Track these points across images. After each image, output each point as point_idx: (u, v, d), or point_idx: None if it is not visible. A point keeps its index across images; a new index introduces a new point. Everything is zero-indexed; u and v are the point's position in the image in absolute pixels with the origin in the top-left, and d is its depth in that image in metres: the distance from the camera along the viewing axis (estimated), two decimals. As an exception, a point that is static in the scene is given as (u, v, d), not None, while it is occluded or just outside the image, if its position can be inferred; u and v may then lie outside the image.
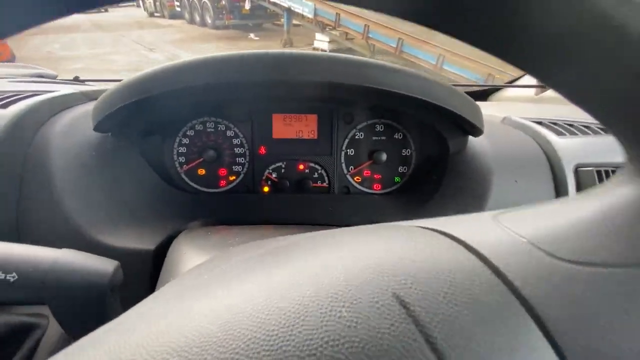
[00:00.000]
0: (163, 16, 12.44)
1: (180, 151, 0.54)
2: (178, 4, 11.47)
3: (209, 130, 0.54)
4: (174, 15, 11.76)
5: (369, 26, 5.73)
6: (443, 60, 4.56)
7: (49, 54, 7.14)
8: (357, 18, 6.03)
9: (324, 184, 0.56)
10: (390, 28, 5.54)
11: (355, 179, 0.56)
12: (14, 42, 8.95)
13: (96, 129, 0.44)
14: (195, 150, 0.54)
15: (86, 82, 0.78)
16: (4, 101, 0.43)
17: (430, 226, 0.13)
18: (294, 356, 0.09)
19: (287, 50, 0.43)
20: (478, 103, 0.47)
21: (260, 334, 0.09)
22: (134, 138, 0.50)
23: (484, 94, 0.91)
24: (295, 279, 0.12)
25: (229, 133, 0.54)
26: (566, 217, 0.12)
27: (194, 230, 0.42)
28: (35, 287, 0.25)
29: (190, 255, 0.35)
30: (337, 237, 0.14)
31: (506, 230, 0.12)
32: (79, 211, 0.40)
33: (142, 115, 0.46)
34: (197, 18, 10.40)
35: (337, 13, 6.35)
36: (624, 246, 0.11)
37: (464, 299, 0.10)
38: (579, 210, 0.12)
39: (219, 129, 0.54)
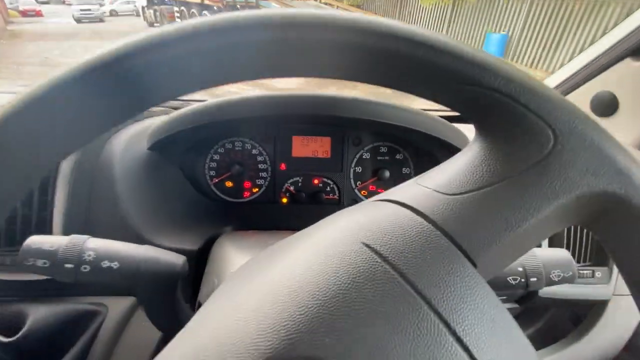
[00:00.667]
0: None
1: (211, 166, 0.62)
2: (178, 15, 11.64)
3: (237, 148, 0.62)
4: (173, 26, 11.94)
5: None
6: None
7: (49, 60, 7.18)
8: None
9: (335, 197, 0.64)
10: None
11: (362, 192, 0.65)
12: (13, 47, 8.90)
13: (150, 147, 0.52)
14: (224, 165, 0.62)
15: None
16: None
17: (376, 198, 0.22)
18: (312, 294, 0.16)
19: (310, 92, 0.53)
20: (467, 125, 0.57)
21: (288, 291, 0.17)
22: (174, 155, 0.58)
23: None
24: (304, 254, 0.19)
25: (254, 151, 0.63)
26: (450, 169, 0.20)
27: (231, 235, 0.50)
28: (131, 273, 0.32)
29: (235, 254, 0.42)
30: (325, 221, 0.22)
31: (419, 186, 0.20)
32: (135, 216, 0.48)
33: (185, 136, 0.54)
34: (197, 29, 10.59)
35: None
36: (477, 178, 0.19)
37: (402, 232, 0.18)
38: (456, 163, 0.21)
39: (246, 147, 0.62)
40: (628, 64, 0.61)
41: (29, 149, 0.15)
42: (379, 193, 0.66)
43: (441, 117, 0.56)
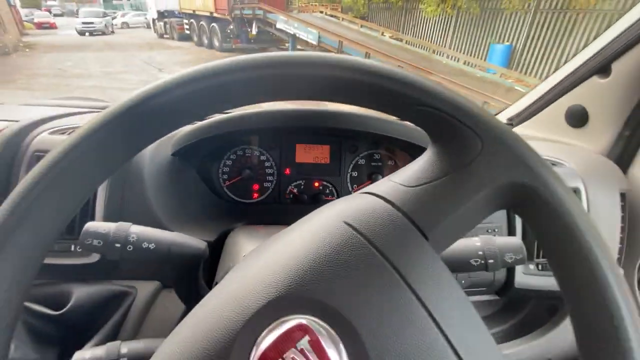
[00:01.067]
0: (172, 38, 12.88)
1: (224, 170, 0.70)
2: (187, 27, 11.92)
3: (247, 155, 0.70)
4: (182, 38, 12.18)
5: (369, 54, 6.05)
6: (440, 88, 4.78)
7: (62, 70, 7.44)
8: (359, 46, 6.37)
9: (334, 198, 0.72)
10: (389, 56, 5.85)
11: None
12: (30, 59, 9.16)
13: (174, 154, 0.60)
14: (236, 170, 0.70)
15: None
16: None
17: (357, 192, 0.28)
18: (305, 256, 0.23)
19: (311, 106, 0.61)
20: None
21: (289, 256, 0.24)
22: (193, 160, 0.66)
23: None
24: (300, 232, 0.26)
25: (262, 157, 0.71)
26: (412, 168, 0.27)
27: (243, 229, 0.58)
28: (164, 253, 0.40)
29: (247, 243, 0.50)
30: (317, 210, 0.29)
31: (390, 181, 0.27)
32: (160, 211, 0.56)
33: (203, 144, 0.62)
34: (205, 41, 10.77)
35: (340, 41, 6.70)
36: (428, 174, 0.25)
37: (375, 214, 0.25)
38: (416, 163, 0.27)
39: (255, 154, 0.71)
40: (595, 81, 0.69)
41: (100, 159, 0.23)
42: None
43: None
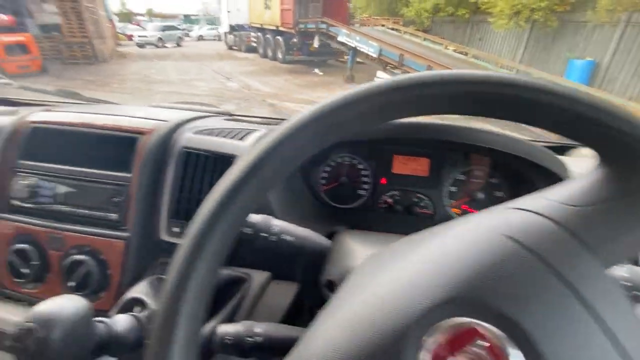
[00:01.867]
0: (240, 50, 13.86)
1: (323, 176, 0.74)
2: (254, 39, 12.77)
3: (345, 162, 0.74)
4: (248, 49, 13.05)
5: (431, 67, 5.91)
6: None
7: (146, 77, 8.42)
8: (420, 59, 6.26)
9: (428, 211, 0.72)
10: (451, 69, 5.65)
11: (454, 210, 0.71)
12: (122, 66, 10.47)
13: None
14: (334, 176, 0.74)
15: (235, 116, 1.03)
16: (241, 135, 0.67)
17: (508, 207, 0.28)
18: (466, 271, 0.23)
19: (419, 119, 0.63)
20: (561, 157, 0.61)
21: (448, 268, 0.24)
22: (300, 164, 0.72)
23: (561, 149, 1.00)
24: (453, 243, 0.26)
25: (359, 166, 0.73)
26: (575, 188, 0.26)
27: (350, 232, 0.61)
28: (298, 247, 0.44)
29: (361, 247, 0.52)
30: (463, 221, 0.29)
31: (547, 200, 0.27)
32: (276, 209, 0.61)
33: None
34: (269, 53, 11.41)
35: (400, 54, 6.65)
36: (595, 195, 0.25)
37: (538, 230, 0.24)
38: (580, 184, 0.27)
39: (352, 162, 0.74)
40: None
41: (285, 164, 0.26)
42: (470, 212, 0.73)
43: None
